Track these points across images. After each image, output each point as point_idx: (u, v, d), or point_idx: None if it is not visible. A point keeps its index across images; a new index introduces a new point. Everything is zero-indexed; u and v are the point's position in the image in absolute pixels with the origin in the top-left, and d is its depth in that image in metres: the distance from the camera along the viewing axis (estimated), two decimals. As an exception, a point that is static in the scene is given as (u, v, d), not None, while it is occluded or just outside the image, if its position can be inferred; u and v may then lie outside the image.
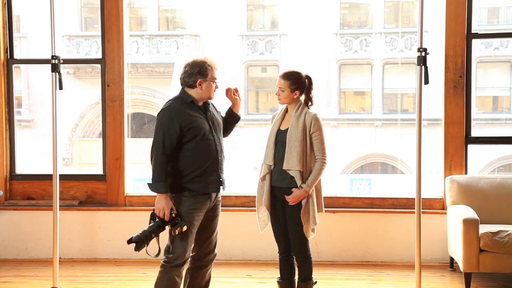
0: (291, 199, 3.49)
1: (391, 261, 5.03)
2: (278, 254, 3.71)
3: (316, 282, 3.65)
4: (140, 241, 3.23)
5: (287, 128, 3.54)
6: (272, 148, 3.57)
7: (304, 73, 3.60)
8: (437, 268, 4.87)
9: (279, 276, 3.72)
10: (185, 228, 3.27)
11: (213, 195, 3.44)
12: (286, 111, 3.65)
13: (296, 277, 3.69)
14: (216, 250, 3.58)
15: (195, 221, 3.36)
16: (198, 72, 3.35)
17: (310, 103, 3.61)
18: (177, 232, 3.27)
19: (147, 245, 3.25)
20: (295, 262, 3.69)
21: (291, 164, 3.46)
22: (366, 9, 14.16)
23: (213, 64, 3.39)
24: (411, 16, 13.90)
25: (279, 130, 3.59)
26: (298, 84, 3.55)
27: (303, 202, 3.49)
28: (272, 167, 3.57)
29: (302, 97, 3.60)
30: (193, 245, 3.42)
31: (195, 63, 3.37)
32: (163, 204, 3.27)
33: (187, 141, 3.32)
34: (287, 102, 3.58)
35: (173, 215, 3.28)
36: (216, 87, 3.45)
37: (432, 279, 4.56)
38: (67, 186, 5.31)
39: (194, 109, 3.37)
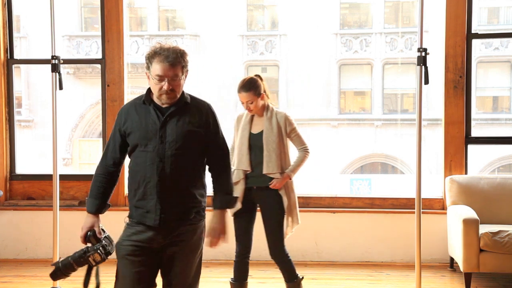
0: (275, 183, 3.49)
1: (391, 261, 5.03)
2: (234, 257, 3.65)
3: (302, 278, 3.65)
4: (57, 269, 2.52)
5: (261, 132, 3.53)
6: (246, 153, 3.53)
7: (252, 75, 3.56)
8: (437, 268, 4.86)
9: (232, 277, 3.67)
10: (98, 258, 2.52)
11: (166, 229, 2.46)
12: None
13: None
14: None
15: (131, 257, 2.51)
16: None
17: (268, 98, 3.59)
18: (90, 260, 2.51)
19: (66, 276, 2.53)
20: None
21: (272, 168, 3.48)
22: (366, 9, 14.17)
23: (163, 54, 2.41)
24: (411, 16, 13.90)
25: (251, 134, 3.57)
26: (259, 88, 3.52)
27: (286, 198, 3.51)
28: (249, 172, 3.54)
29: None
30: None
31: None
32: (83, 223, 2.55)
33: (130, 151, 2.53)
34: (261, 109, 3.55)
35: (95, 240, 2.54)
36: (165, 87, 2.45)
37: (432, 279, 4.56)
38: (67, 186, 5.31)
39: (147, 110, 2.54)
